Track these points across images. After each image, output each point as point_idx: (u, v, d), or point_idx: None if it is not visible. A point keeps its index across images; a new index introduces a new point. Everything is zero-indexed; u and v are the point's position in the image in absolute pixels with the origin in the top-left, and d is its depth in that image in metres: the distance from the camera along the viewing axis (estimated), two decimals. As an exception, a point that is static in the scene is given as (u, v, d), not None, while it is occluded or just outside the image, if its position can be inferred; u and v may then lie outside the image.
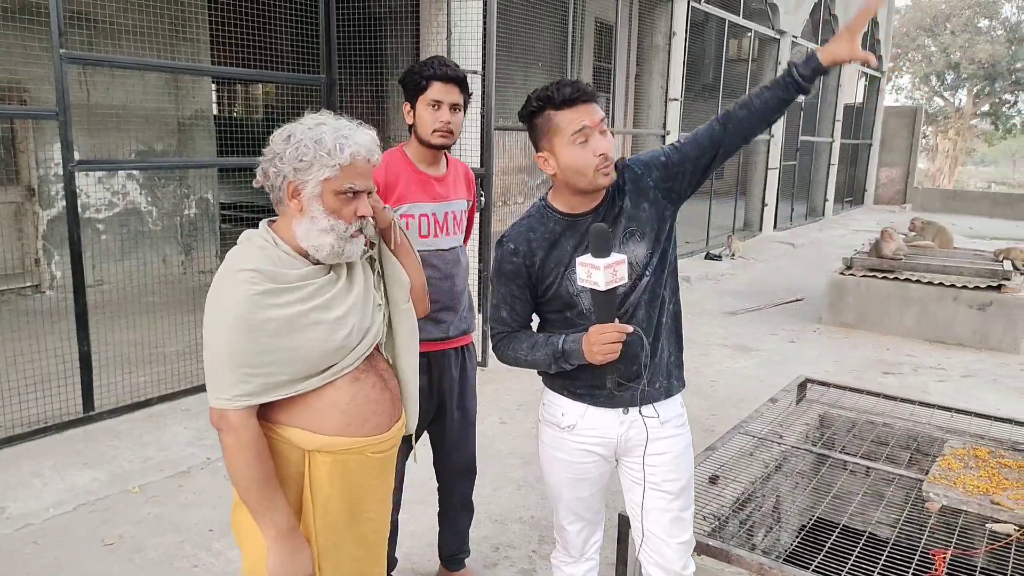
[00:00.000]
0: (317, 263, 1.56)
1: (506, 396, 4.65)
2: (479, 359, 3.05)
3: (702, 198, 10.23)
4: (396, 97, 8.63)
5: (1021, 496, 2.57)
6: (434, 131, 2.30)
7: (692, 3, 8.54)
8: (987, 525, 2.49)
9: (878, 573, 2.27)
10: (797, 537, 3.23)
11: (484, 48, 5.54)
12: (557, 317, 1.89)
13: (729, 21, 9.87)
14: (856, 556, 2.36)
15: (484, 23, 5.53)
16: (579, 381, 1.88)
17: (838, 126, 15.51)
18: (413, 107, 2.33)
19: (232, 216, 8.89)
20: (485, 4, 5.48)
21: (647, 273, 1.83)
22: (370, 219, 1.62)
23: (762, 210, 12.51)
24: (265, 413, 1.52)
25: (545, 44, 8.70)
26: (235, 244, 1.57)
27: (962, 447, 3.00)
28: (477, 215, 2.79)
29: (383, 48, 7.65)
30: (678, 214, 1.92)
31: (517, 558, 3.01)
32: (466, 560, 2.83)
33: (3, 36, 5.48)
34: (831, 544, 2.45)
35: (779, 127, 12.30)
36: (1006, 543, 2.38)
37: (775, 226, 12.86)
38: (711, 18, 9.61)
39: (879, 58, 17.74)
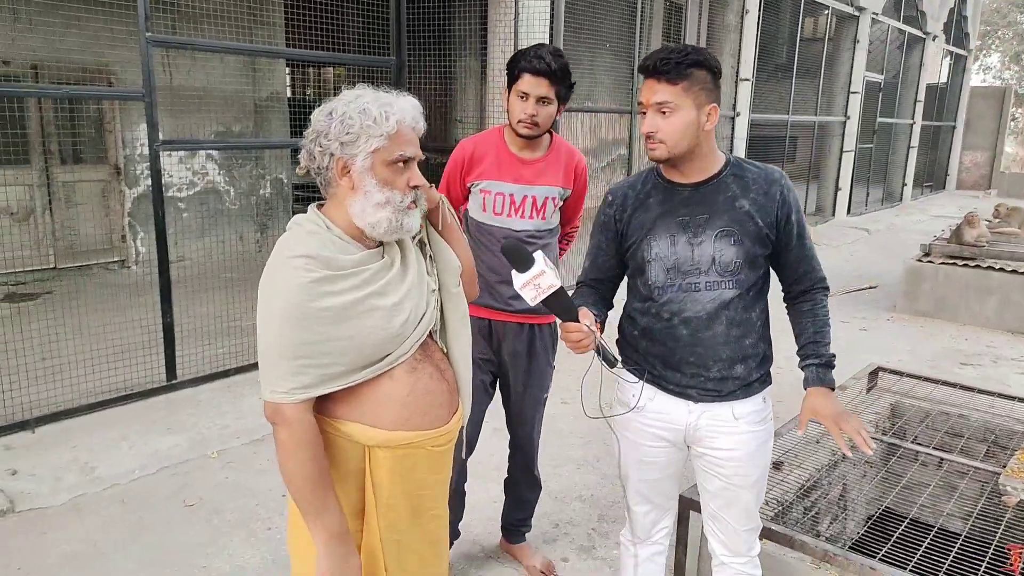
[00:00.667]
0: (371, 247, 1.50)
1: (568, 377, 4.67)
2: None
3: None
4: (464, 79, 8.69)
5: (1106, 494, 2.46)
6: (519, 121, 2.35)
7: (768, -20, 8.32)
8: (1068, 522, 2.40)
9: (948, 565, 2.22)
10: (864, 527, 3.17)
11: (552, 29, 5.53)
12: (632, 283, 1.92)
13: (805, -1, 9.57)
14: (926, 548, 2.31)
15: (552, 4, 5.51)
16: (651, 365, 1.88)
17: (919, 107, 14.84)
18: (510, 94, 2.38)
19: (304, 196, 9.15)
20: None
21: (731, 284, 1.78)
22: (424, 191, 1.54)
23: (835, 194, 12.11)
24: (322, 407, 1.46)
25: (613, 24, 8.60)
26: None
27: (1044, 441, 2.89)
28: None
29: (451, 30, 7.71)
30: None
31: (576, 535, 3.05)
32: (527, 536, 2.88)
33: (93, 21, 5.75)
34: (899, 535, 2.40)
35: (855, 108, 11.86)
36: (1088, 541, 2.29)
37: (848, 211, 12.44)
38: (788, -5, 9.34)
39: (966, 35, 16.85)
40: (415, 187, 1.48)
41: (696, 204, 1.80)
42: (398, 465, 1.50)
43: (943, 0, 14.48)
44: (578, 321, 1.69)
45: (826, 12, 10.47)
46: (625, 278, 1.99)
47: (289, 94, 10.02)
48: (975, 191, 18.89)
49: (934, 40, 14.68)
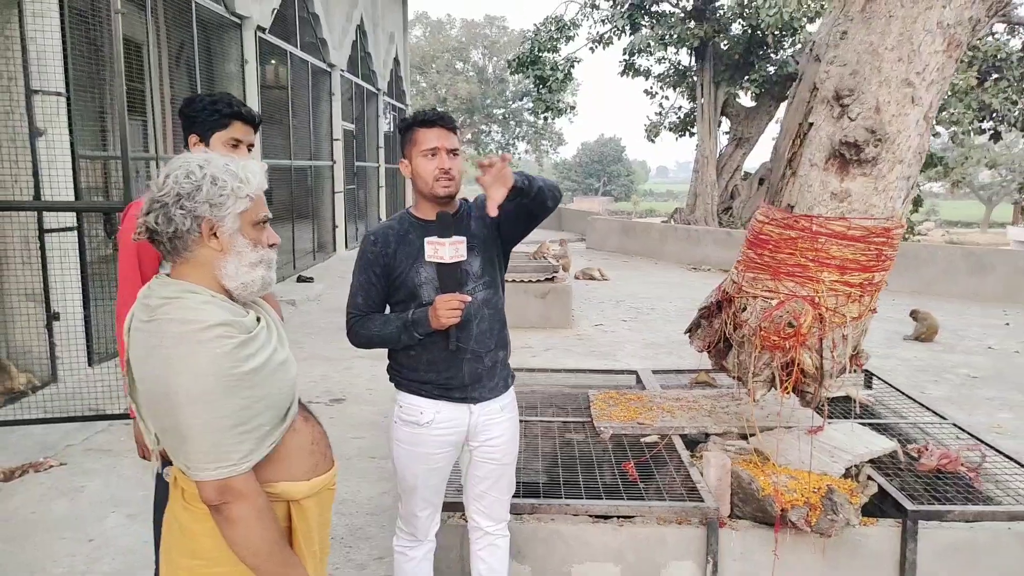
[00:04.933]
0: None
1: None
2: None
3: (283, 224, 10.36)
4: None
5: (651, 416, 3.56)
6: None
7: (259, 33, 8.64)
8: (641, 439, 3.41)
9: (604, 489, 2.97)
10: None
11: (67, 71, 4.96)
12: (401, 308, 2.18)
13: (291, 53, 10.21)
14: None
15: (64, 40, 4.95)
16: (434, 382, 2.17)
17: (381, 152, 17.06)
18: (205, 141, 2.23)
19: None
20: (63, 19, 4.93)
21: (483, 285, 2.19)
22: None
23: (334, 231, 13.18)
24: None
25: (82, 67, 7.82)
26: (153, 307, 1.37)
27: (600, 393, 3.95)
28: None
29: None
30: None
31: None
32: None
33: None
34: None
35: (339, 153, 13.06)
36: (658, 449, 3.31)
37: (346, 246, 13.66)
38: (276, 48, 9.78)
39: (403, 93, 19.96)
40: (272, 245, 1.53)
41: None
42: (317, 510, 1.54)
43: (385, 62, 16.94)
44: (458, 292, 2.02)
45: (307, 66, 11.30)
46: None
47: None
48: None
49: (384, 95, 17.07)
